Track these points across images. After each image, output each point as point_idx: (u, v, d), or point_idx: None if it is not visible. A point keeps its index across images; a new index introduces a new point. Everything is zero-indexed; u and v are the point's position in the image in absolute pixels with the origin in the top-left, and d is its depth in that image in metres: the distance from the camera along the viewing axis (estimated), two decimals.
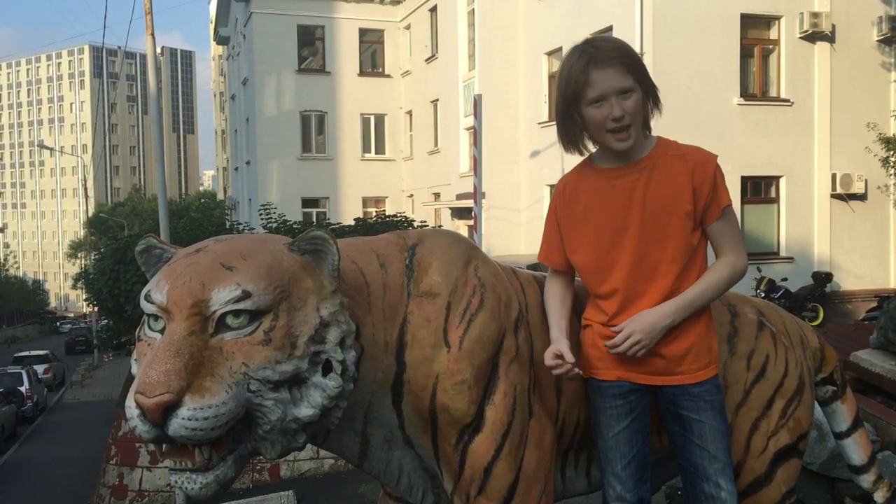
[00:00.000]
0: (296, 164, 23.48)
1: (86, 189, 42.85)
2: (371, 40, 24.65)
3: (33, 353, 32.34)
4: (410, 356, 2.06)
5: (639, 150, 2.05)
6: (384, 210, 22.07)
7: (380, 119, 24.53)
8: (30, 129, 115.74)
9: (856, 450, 2.77)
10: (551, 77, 16.54)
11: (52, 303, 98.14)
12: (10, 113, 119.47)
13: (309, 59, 24.37)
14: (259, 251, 1.85)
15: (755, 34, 14.29)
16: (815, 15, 13.79)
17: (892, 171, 13.97)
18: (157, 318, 1.79)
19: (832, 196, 14.26)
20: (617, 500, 2.08)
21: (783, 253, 14.31)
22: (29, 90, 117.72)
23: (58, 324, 74.26)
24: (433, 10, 22.03)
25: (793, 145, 14.19)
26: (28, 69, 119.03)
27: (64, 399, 27.18)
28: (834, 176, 14.11)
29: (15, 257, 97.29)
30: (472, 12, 19.54)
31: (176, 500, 7.45)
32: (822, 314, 12.84)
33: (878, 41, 14.44)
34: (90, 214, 50.32)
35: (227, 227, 17.37)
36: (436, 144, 22.11)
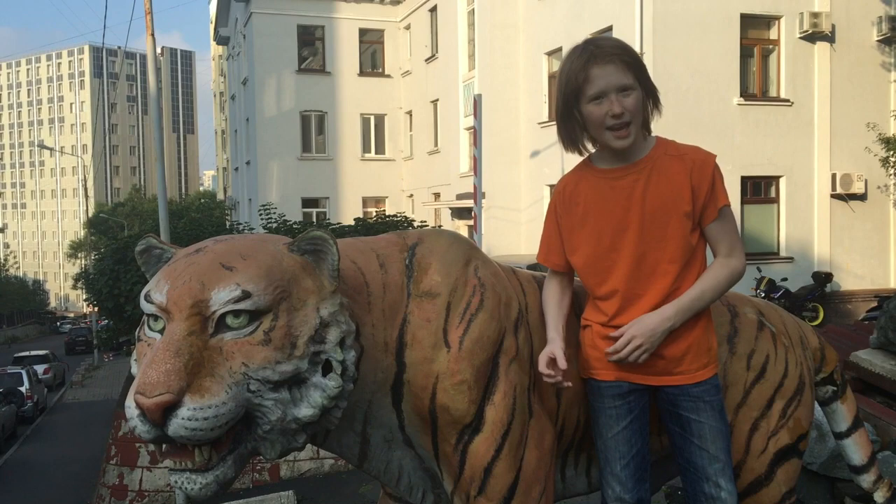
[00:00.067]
0: (296, 164, 23.49)
1: (86, 189, 42.84)
2: (371, 40, 24.65)
3: (33, 353, 32.32)
4: (410, 356, 2.06)
5: (638, 151, 2.05)
6: (384, 210, 22.08)
7: (380, 119, 24.53)
8: (30, 129, 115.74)
9: (856, 450, 2.77)
10: (551, 77, 16.55)
11: (52, 303, 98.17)
12: (10, 113, 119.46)
13: (309, 59, 24.37)
14: (259, 251, 1.85)
15: (755, 34, 14.29)
16: (814, 15, 13.79)
17: (892, 171, 13.97)
18: (156, 318, 1.79)
19: (832, 196, 14.26)
20: (616, 501, 2.08)
21: (783, 253, 14.31)
22: (29, 90, 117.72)
23: (58, 324, 74.30)
24: (433, 10, 22.03)
25: (793, 145, 14.19)
26: (28, 69, 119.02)
27: (64, 399, 27.17)
28: (834, 176, 14.11)
29: (15, 257, 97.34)
30: (472, 12, 19.53)
31: (176, 500, 7.45)
32: (822, 314, 12.84)
33: (878, 41, 14.44)
34: (90, 214, 50.30)
35: (227, 227, 17.37)
36: (436, 144, 22.11)
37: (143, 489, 8.18)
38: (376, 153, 24.56)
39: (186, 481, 1.73)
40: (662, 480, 2.61)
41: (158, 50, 14.98)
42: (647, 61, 10.04)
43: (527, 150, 17.59)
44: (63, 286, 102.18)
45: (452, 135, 20.50)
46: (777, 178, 14.32)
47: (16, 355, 31.22)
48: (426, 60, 22.37)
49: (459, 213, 19.60)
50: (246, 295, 1.74)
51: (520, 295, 2.26)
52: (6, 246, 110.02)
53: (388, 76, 24.54)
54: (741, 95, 13.91)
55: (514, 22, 17.97)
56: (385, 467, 2.20)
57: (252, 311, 1.75)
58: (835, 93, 14.21)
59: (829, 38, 14.13)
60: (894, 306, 4.65)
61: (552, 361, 2.04)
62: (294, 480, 7.45)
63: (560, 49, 15.66)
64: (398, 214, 13.93)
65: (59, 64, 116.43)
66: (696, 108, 13.29)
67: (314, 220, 20.28)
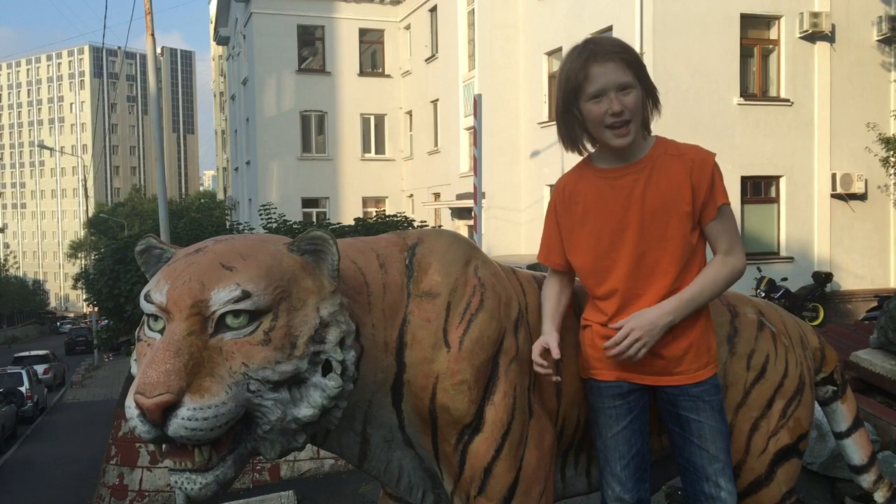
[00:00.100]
0: (296, 164, 23.49)
1: (86, 189, 42.84)
2: (371, 40, 24.65)
3: (33, 353, 32.32)
4: (410, 356, 2.06)
5: (638, 150, 2.05)
6: (384, 210, 22.08)
7: (380, 119, 24.53)
8: (30, 129, 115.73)
9: (856, 450, 2.77)
10: (551, 77, 16.55)
11: (52, 303, 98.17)
12: (10, 113, 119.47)
13: (309, 59, 24.37)
14: (259, 251, 1.85)
15: (755, 34, 14.29)
16: (814, 15, 13.79)
17: (892, 171, 13.97)
18: (156, 318, 1.79)
19: (832, 196, 14.26)
20: (616, 501, 2.08)
21: (783, 253, 14.31)
22: (29, 90, 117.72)
23: (58, 324, 74.30)
24: (433, 10, 22.03)
25: (793, 145, 14.19)
26: (28, 69, 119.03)
27: (64, 399, 27.16)
28: (834, 176, 14.11)
29: (15, 257, 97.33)
30: (472, 12, 19.53)
31: (176, 501, 7.44)
32: (822, 314, 12.84)
33: (878, 41, 14.44)
34: (90, 214, 50.30)
35: (227, 227, 17.37)
36: (436, 144, 22.11)
37: (143, 489, 8.18)
38: (376, 153, 24.56)
39: (186, 481, 1.73)
40: (662, 480, 2.61)
41: (158, 50, 14.98)
42: (647, 61, 10.03)
43: (527, 150, 17.59)
44: (63, 286, 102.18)
45: (452, 135, 20.50)
46: (777, 177, 14.32)
47: (16, 355, 31.21)
48: (426, 60, 22.37)
49: (459, 213, 19.60)
50: (246, 295, 1.74)
51: (520, 295, 2.26)
52: (6, 246, 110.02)
53: (388, 76, 24.54)
54: (741, 95, 13.91)
55: (514, 22, 17.97)
56: (385, 467, 2.20)
57: (252, 311, 1.75)
58: (835, 93, 14.21)
59: (829, 37, 14.13)
60: (894, 306, 4.65)
61: (546, 352, 2.04)
62: (294, 480, 7.45)
63: (560, 49, 15.66)
64: (398, 214, 13.93)
65: (59, 64, 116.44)
66: (696, 108, 13.29)
67: (314, 220, 20.28)
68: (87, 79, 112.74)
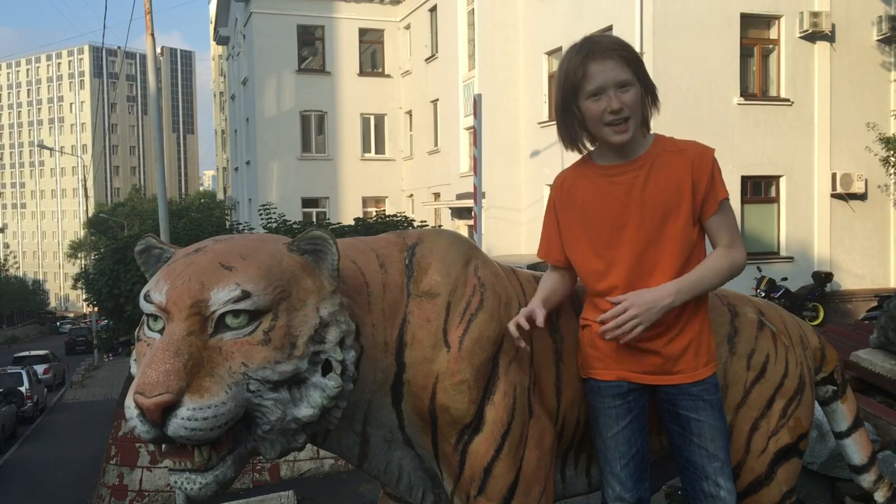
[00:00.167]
0: (296, 164, 23.49)
1: (86, 189, 42.84)
2: (371, 40, 24.65)
3: (33, 353, 32.33)
4: (410, 356, 2.06)
5: (637, 148, 2.05)
6: (384, 210, 22.08)
7: (380, 119, 24.53)
8: (30, 129, 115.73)
9: (856, 449, 2.76)
10: (551, 77, 16.54)
11: (52, 303, 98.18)
12: (10, 113, 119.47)
13: (309, 59, 24.37)
14: (258, 251, 1.85)
15: (755, 34, 14.28)
16: (814, 14, 13.79)
17: (892, 171, 13.96)
18: (156, 318, 1.79)
19: (832, 196, 14.26)
20: (616, 500, 2.08)
21: (783, 252, 14.31)
22: (29, 90, 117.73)
23: (58, 324, 74.30)
24: (433, 9, 22.02)
25: (793, 145, 14.19)
26: (28, 69, 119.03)
27: (64, 399, 27.16)
28: (834, 175, 14.10)
29: (15, 257, 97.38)
30: (471, 12, 19.53)
31: (176, 501, 7.44)
32: (822, 314, 12.84)
33: (877, 41, 14.44)
34: (90, 214, 50.30)
35: (227, 227, 17.37)
36: (436, 144, 22.11)
37: (143, 489, 8.18)
38: (376, 153, 24.56)
39: (186, 481, 1.73)
40: (662, 480, 2.61)
41: (158, 50, 14.98)
42: (647, 61, 10.03)
43: (527, 149, 17.59)
44: (63, 286, 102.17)
45: (452, 135, 20.50)
46: (777, 177, 14.31)
47: (16, 355, 31.21)
48: (426, 60, 22.37)
49: (459, 212, 19.60)
50: (245, 295, 1.74)
51: (520, 295, 2.26)
52: (6, 246, 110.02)
53: (388, 76, 24.54)
54: (741, 95, 13.91)
55: (514, 22, 17.97)
56: (385, 467, 2.20)
57: (252, 311, 1.75)
58: (835, 92, 14.21)
59: (829, 37, 14.13)
60: (894, 306, 4.65)
61: (530, 321, 2.03)
62: (294, 480, 7.45)
63: (560, 49, 15.65)
64: (398, 214, 13.93)
65: (59, 64, 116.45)
66: (696, 108, 13.29)
67: (314, 220, 20.28)
68: (86, 79, 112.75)
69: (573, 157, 2.19)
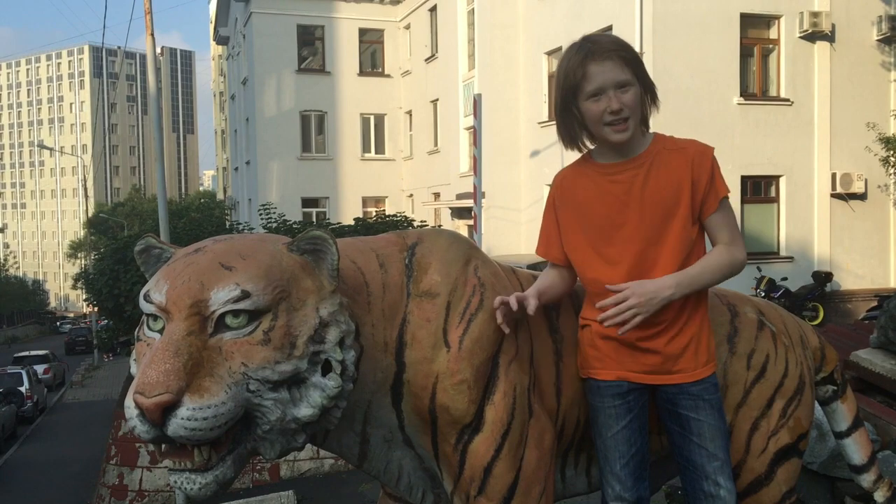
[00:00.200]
0: (296, 164, 23.49)
1: (86, 189, 42.87)
2: (371, 40, 24.65)
3: (33, 353, 32.35)
4: (410, 356, 2.05)
5: (637, 146, 2.05)
6: (384, 210, 22.08)
7: (380, 119, 24.53)
8: (30, 129, 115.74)
9: (856, 449, 2.76)
10: (551, 77, 16.54)
11: (52, 303, 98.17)
12: (10, 113, 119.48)
13: (309, 59, 24.37)
14: (258, 251, 1.85)
15: (755, 34, 14.28)
16: (814, 14, 13.79)
17: (892, 171, 13.96)
18: (156, 318, 1.79)
19: (832, 195, 14.26)
20: (616, 500, 2.08)
21: (783, 252, 14.31)
22: (29, 90, 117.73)
23: (58, 324, 74.34)
24: (433, 9, 22.02)
25: (793, 145, 14.19)
26: (28, 69, 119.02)
27: (64, 399, 27.17)
28: (834, 175, 14.10)
29: (15, 257, 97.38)
30: (471, 12, 19.53)
31: (176, 501, 7.44)
32: (822, 314, 12.84)
33: (877, 41, 14.44)
34: (90, 214, 50.31)
35: (227, 227, 17.38)
36: (436, 144, 22.11)
37: (143, 489, 8.18)
38: (376, 153, 24.56)
39: (186, 481, 1.73)
40: (662, 480, 2.61)
41: (158, 50, 14.98)
42: (647, 61, 10.04)
43: (527, 149, 17.59)
44: (63, 286, 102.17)
45: (452, 135, 20.50)
46: (777, 177, 14.31)
47: (16, 355, 31.22)
48: (426, 60, 22.37)
49: (459, 212, 19.60)
50: (245, 295, 1.74)
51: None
52: (6, 246, 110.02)
53: (388, 76, 24.54)
54: (741, 95, 13.91)
55: (514, 22, 17.96)
56: (385, 467, 2.20)
57: (251, 311, 1.75)
58: (835, 92, 14.21)
59: (829, 37, 14.13)
60: (894, 306, 4.65)
61: (520, 305, 2.02)
62: (294, 480, 7.45)
63: (560, 49, 15.63)
64: (398, 214, 13.94)
65: (59, 64, 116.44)
66: (696, 108, 13.29)
67: (314, 219, 20.28)
68: (86, 79, 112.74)
69: (573, 156, 2.20)
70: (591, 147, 2.12)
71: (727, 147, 13.22)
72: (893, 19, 14.11)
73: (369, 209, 23.25)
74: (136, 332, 1.90)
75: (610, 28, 14.08)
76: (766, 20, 14.26)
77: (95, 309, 21.63)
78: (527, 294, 2.06)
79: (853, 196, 14.31)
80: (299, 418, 1.79)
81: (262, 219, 12.56)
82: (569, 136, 2.08)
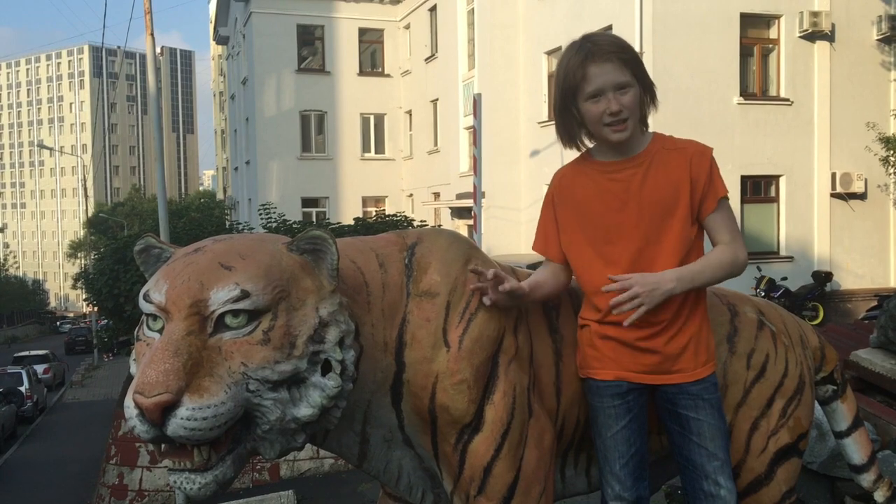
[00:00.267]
0: (295, 163, 23.49)
1: (85, 189, 42.86)
2: (371, 40, 24.65)
3: (33, 353, 32.34)
4: (410, 356, 2.05)
5: (636, 145, 2.05)
6: (384, 210, 22.08)
7: (379, 119, 24.53)
8: (29, 129, 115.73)
9: (856, 449, 2.76)
10: (551, 77, 16.53)
11: (52, 303, 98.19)
12: (9, 113, 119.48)
13: (308, 59, 24.37)
14: (258, 251, 1.85)
15: (755, 33, 14.28)
16: (814, 14, 13.79)
17: (891, 171, 13.97)
18: (155, 317, 1.79)
19: (832, 195, 14.26)
20: (615, 500, 2.08)
21: (783, 252, 14.31)
22: (29, 90, 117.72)
23: (58, 324, 74.33)
24: (433, 9, 22.02)
25: (793, 144, 14.19)
26: (28, 69, 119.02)
27: (64, 399, 27.16)
28: (834, 175, 14.11)
29: (15, 257, 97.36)
30: (471, 12, 19.53)
31: (176, 500, 7.44)
32: (821, 313, 12.84)
33: (877, 40, 14.44)
34: (90, 214, 50.30)
35: (227, 226, 17.38)
36: (435, 144, 22.11)
37: (143, 489, 8.17)
38: (376, 153, 24.56)
39: (185, 481, 1.73)
40: (662, 480, 2.61)
41: (158, 50, 14.99)
42: (647, 61, 10.04)
43: (527, 149, 17.59)
44: (63, 286, 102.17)
45: (452, 134, 20.50)
46: (777, 177, 14.32)
47: (16, 355, 31.21)
48: (426, 60, 22.37)
49: (459, 212, 19.60)
50: (245, 294, 1.73)
51: None
52: (6, 246, 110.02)
53: (388, 76, 24.54)
54: (741, 95, 13.91)
55: (513, 21, 17.96)
56: (384, 467, 2.20)
57: (251, 311, 1.74)
58: (835, 92, 14.21)
59: (829, 37, 14.13)
60: (894, 305, 4.65)
61: (497, 280, 2.01)
62: (294, 480, 7.44)
63: (560, 49, 15.56)
64: (398, 214, 13.94)
65: (59, 64, 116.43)
66: (696, 107, 13.29)
67: (314, 219, 20.29)
68: (86, 78, 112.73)
69: (573, 156, 2.20)
70: (590, 146, 2.12)
71: (727, 147, 13.22)
72: (893, 19, 14.11)
73: (369, 209, 23.25)
74: (135, 332, 1.90)
75: (610, 28, 14.07)
76: (766, 20, 14.26)
77: (95, 309, 21.64)
78: (509, 277, 2.05)
79: (853, 196, 14.31)
80: (299, 418, 1.79)
81: (262, 219, 12.55)
82: (567, 135, 2.09)
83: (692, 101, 13.26)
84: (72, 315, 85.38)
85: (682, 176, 2.01)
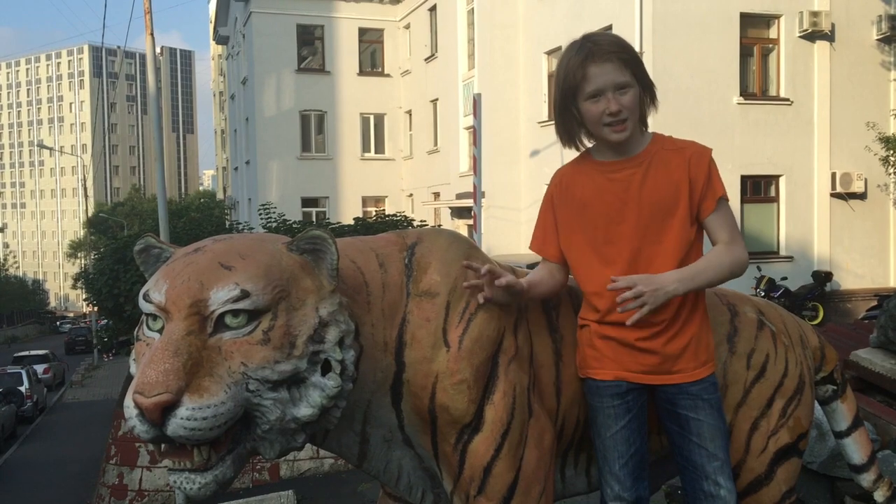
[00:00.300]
0: (295, 163, 23.49)
1: (85, 189, 42.86)
2: (370, 40, 24.65)
3: (33, 353, 32.35)
4: (410, 356, 2.05)
5: (635, 145, 2.05)
6: (384, 210, 22.07)
7: (379, 119, 24.53)
8: (29, 129, 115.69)
9: (856, 449, 2.76)
10: (551, 76, 16.53)
11: (52, 303, 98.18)
12: (9, 113, 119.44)
13: (308, 59, 24.37)
14: (258, 251, 1.85)
15: (755, 33, 14.28)
16: (814, 14, 13.79)
17: (891, 170, 13.96)
18: (155, 317, 1.78)
19: (832, 195, 14.26)
20: (615, 500, 2.08)
21: (783, 252, 14.31)
22: (28, 90, 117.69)
23: (58, 324, 74.31)
24: (433, 9, 22.02)
25: (792, 144, 14.19)
26: (28, 69, 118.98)
27: (64, 399, 27.17)
28: (834, 175, 14.10)
29: (15, 257, 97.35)
30: (471, 11, 19.53)
31: (175, 500, 7.44)
32: (821, 313, 12.84)
33: (877, 40, 14.44)
34: (90, 214, 50.29)
35: (227, 226, 17.38)
36: (435, 144, 22.11)
37: (143, 489, 8.17)
38: (376, 153, 24.56)
39: (185, 481, 1.73)
40: (662, 480, 2.61)
41: (158, 49, 14.98)
42: (647, 61, 10.04)
43: (527, 149, 17.59)
44: (63, 286, 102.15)
45: (452, 134, 20.50)
46: (777, 177, 14.31)
47: (15, 355, 31.22)
48: (426, 60, 22.37)
49: (459, 212, 19.60)
50: (245, 294, 1.73)
51: None
52: (6, 246, 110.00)
53: (388, 76, 24.54)
54: (741, 95, 13.91)
55: (513, 21, 17.96)
56: (384, 467, 2.20)
57: (251, 311, 1.74)
58: (835, 92, 14.21)
59: (829, 37, 14.12)
60: (894, 305, 4.65)
61: (491, 275, 2.01)
62: (294, 480, 7.44)
63: (560, 49, 15.58)
64: (398, 214, 13.94)
65: (59, 63, 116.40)
66: (696, 107, 13.29)
67: (314, 219, 20.28)
68: (86, 78, 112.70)
69: (573, 156, 2.20)
70: (589, 145, 2.13)
71: (727, 147, 13.22)
72: (893, 19, 14.11)
73: (369, 209, 23.25)
74: (135, 332, 1.90)
75: (610, 28, 14.07)
76: (766, 20, 14.26)
77: (95, 309, 21.64)
78: (505, 273, 2.05)
79: (853, 196, 14.31)
80: (299, 418, 1.79)
81: (261, 218, 12.55)
82: (567, 135, 2.09)
83: (692, 101, 13.26)
84: (72, 315, 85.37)
85: (681, 176, 2.01)
